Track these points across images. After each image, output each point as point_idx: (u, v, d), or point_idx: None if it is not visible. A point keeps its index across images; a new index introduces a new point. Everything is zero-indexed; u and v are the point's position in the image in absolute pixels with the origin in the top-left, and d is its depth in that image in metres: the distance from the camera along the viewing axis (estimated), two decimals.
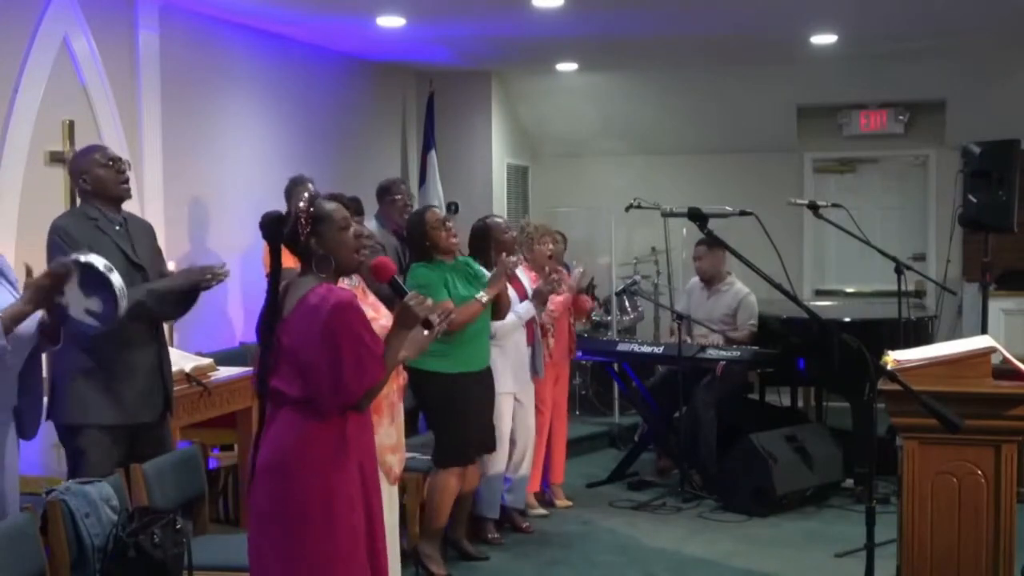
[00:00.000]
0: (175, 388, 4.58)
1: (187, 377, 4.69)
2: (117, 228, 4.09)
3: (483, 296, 4.93)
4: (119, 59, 5.68)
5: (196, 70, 6.40)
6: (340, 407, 3.01)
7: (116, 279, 3.50)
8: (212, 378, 4.88)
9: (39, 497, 3.55)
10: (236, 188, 6.74)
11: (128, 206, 5.60)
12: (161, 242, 5.87)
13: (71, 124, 5.26)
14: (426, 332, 3.20)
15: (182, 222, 6.28)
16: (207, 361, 4.95)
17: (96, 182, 4.07)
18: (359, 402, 3.04)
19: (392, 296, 3.32)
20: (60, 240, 3.92)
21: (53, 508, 3.42)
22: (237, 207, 6.70)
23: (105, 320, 3.52)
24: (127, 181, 4.16)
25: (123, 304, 3.53)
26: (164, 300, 4.12)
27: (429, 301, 3.16)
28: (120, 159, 4.15)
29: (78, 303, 3.48)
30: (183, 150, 6.23)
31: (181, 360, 4.82)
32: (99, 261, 3.49)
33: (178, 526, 3.63)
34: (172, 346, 5.37)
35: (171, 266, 5.77)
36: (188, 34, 6.29)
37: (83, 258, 3.48)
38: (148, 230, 4.35)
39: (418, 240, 5.01)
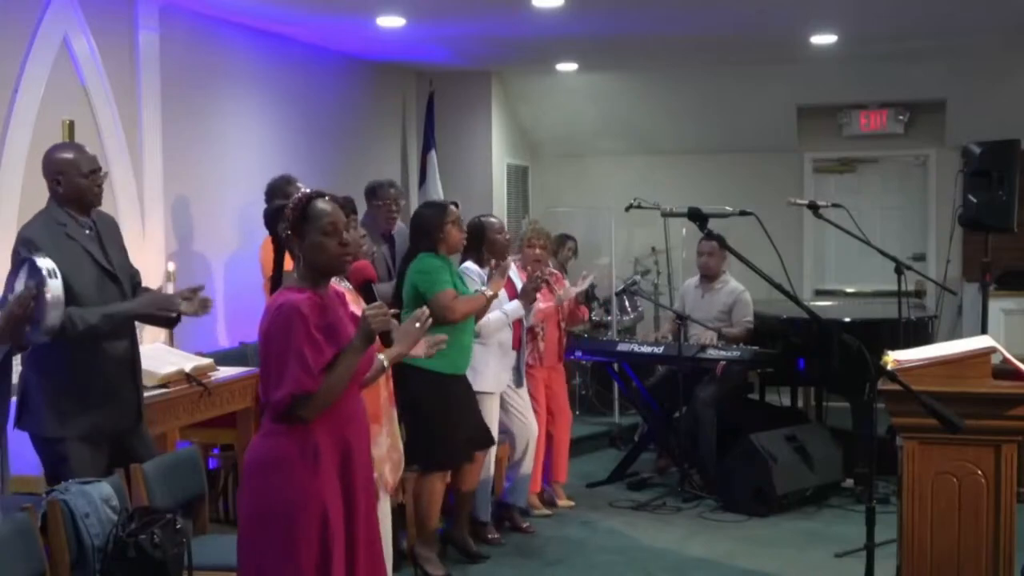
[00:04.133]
0: (175, 388, 4.58)
1: (187, 377, 4.68)
2: (87, 232, 3.99)
3: (487, 291, 4.95)
4: (119, 59, 5.68)
5: (196, 70, 6.40)
6: (272, 414, 2.95)
7: (54, 286, 3.38)
8: (212, 378, 4.87)
9: (39, 497, 3.55)
10: (236, 188, 6.73)
11: (128, 206, 5.67)
12: (161, 242, 5.92)
13: (71, 124, 5.26)
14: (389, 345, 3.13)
15: (182, 222, 6.28)
16: (207, 361, 4.95)
17: (72, 189, 3.94)
18: (290, 410, 2.93)
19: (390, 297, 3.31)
20: (26, 253, 3.75)
21: (53, 508, 3.42)
22: (237, 207, 6.70)
23: (37, 330, 3.39)
24: (102, 191, 4.05)
25: (53, 314, 3.40)
26: (121, 324, 3.99)
27: (388, 314, 3.08)
28: (99, 170, 4.03)
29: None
30: (183, 150, 6.23)
31: (181, 360, 4.82)
32: (45, 264, 3.40)
33: (178, 526, 3.62)
34: (172, 346, 5.38)
35: (171, 267, 5.78)
36: (188, 34, 6.28)
37: (37, 258, 3.41)
38: (116, 228, 4.23)
39: (433, 230, 4.98)
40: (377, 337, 3.08)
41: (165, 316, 4.14)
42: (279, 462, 2.97)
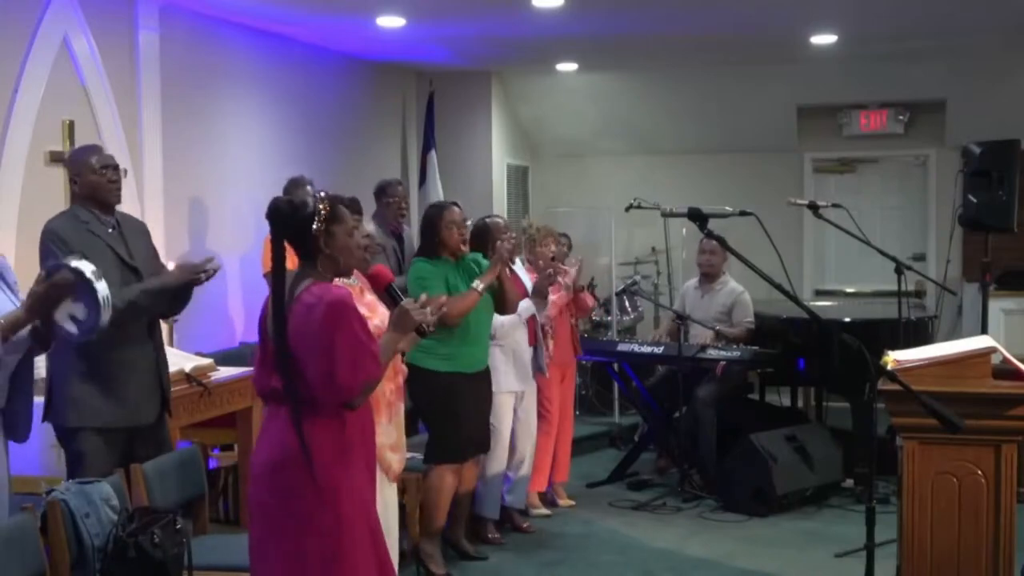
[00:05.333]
0: (175, 388, 4.58)
1: (187, 377, 4.69)
2: (110, 231, 4.11)
3: (478, 285, 4.92)
4: (119, 59, 5.68)
5: (196, 70, 6.40)
6: (336, 404, 3.02)
7: (102, 287, 3.43)
8: (212, 378, 4.88)
9: (39, 497, 3.55)
10: (236, 188, 6.74)
11: (128, 206, 5.66)
12: (161, 242, 5.91)
13: (71, 124, 5.27)
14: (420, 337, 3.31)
15: (182, 222, 6.28)
16: (207, 361, 4.95)
17: (86, 187, 4.10)
18: (355, 399, 3.05)
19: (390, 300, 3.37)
20: (53, 245, 3.92)
21: (53, 508, 3.42)
22: (237, 207, 6.71)
23: (86, 329, 3.46)
24: (119, 188, 4.17)
25: (105, 315, 3.46)
26: (158, 298, 4.12)
27: (427, 308, 3.25)
28: (113, 166, 4.15)
29: (63, 307, 3.42)
30: (183, 150, 6.24)
31: (181, 360, 4.82)
32: (88, 267, 3.44)
33: (178, 526, 3.63)
34: (172, 346, 5.38)
35: (170, 267, 5.78)
36: (188, 34, 6.29)
37: (74, 262, 3.44)
38: (143, 230, 4.35)
39: (429, 234, 5.01)
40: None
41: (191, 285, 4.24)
42: (317, 454, 2.99)
